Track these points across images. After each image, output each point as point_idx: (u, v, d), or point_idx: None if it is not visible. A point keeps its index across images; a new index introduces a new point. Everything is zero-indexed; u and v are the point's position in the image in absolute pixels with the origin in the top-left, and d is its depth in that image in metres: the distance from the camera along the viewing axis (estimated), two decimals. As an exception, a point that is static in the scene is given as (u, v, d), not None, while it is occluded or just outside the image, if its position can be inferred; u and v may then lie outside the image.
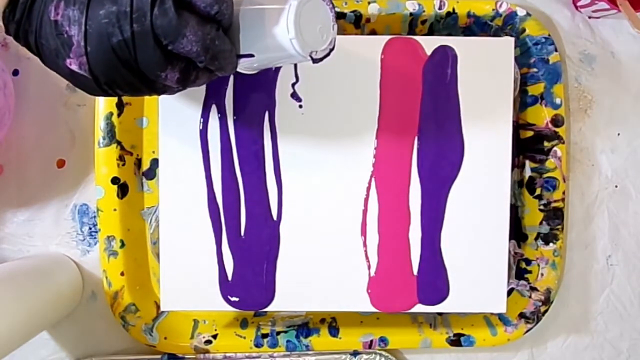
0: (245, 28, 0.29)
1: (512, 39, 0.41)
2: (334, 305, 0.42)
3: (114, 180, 0.42)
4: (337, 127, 0.41)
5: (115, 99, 0.42)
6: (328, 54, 0.32)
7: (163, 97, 0.40)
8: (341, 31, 0.43)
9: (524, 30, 0.43)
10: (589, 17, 0.45)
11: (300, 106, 0.41)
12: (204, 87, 0.40)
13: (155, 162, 0.43)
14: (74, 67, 0.26)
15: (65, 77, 0.27)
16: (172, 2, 0.25)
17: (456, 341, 0.43)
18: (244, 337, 0.43)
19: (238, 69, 0.31)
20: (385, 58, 0.41)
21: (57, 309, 0.42)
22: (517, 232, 0.45)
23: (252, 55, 0.30)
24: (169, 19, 0.25)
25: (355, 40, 0.41)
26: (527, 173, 0.44)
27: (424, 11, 0.42)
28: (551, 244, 0.44)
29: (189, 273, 0.41)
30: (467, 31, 0.44)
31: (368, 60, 0.41)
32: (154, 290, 0.44)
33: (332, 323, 0.44)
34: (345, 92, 0.41)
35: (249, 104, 0.41)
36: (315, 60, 0.31)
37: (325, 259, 0.41)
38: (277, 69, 0.40)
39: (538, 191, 0.44)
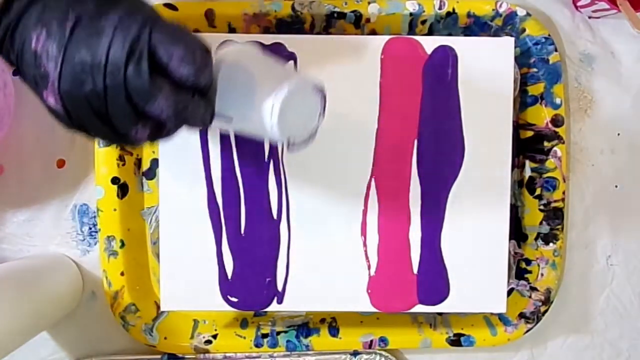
0: (228, 91, 0.28)
1: (512, 39, 0.41)
2: (334, 305, 0.42)
3: (114, 180, 0.42)
4: (337, 127, 0.41)
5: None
6: (306, 145, 0.31)
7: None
8: (341, 31, 0.43)
9: (524, 30, 0.43)
10: (589, 17, 0.45)
11: (300, 106, 0.41)
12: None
13: (155, 162, 0.43)
14: (51, 102, 0.26)
15: (44, 105, 0.27)
16: (147, 65, 0.24)
17: (456, 341, 0.43)
18: (244, 337, 0.43)
19: (213, 126, 0.29)
20: (385, 58, 0.41)
21: (57, 309, 0.42)
22: (517, 232, 0.45)
23: (229, 118, 0.29)
24: (142, 82, 0.24)
25: (355, 40, 0.41)
26: (527, 173, 0.44)
27: (424, 11, 0.42)
28: (551, 244, 0.44)
29: (189, 273, 0.41)
30: (467, 31, 0.44)
31: (368, 60, 0.41)
32: (154, 290, 0.44)
33: (332, 323, 0.44)
34: (345, 92, 0.41)
35: (249, 104, 0.41)
36: (290, 147, 0.30)
37: (325, 259, 0.41)
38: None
39: (538, 191, 0.44)
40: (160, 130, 0.27)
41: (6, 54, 0.26)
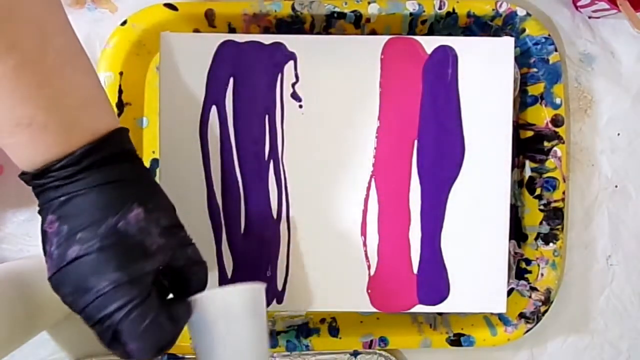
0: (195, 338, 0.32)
1: (512, 39, 0.41)
2: (334, 305, 0.42)
3: (114, 180, 0.42)
4: (337, 127, 0.41)
5: (115, 98, 0.42)
6: None
7: (163, 96, 0.40)
8: (341, 31, 0.43)
9: (524, 30, 0.43)
10: (589, 17, 0.45)
11: (300, 106, 0.41)
12: (204, 87, 0.40)
13: (155, 162, 0.43)
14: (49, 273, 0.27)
15: None
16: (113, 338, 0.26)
17: (456, 341, 0.44)
18: (244, 337, 0.43)
19: None
20: (385, 58, 0.41)
21: (57, 309, 0.41)
22: (517, 232, 0.45)
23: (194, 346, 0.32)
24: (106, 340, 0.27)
25: (355, 40, 0.41)
26: (527, 173, 0.44)
27: (424, 11, 0.42)
28: (551, 244, 0.44)
29: (189, 273, 0.41)
30: (467, 31, 0.44)
31: (368, 60, 0.41)
32: (154, 290, 0.44)
33: (332, 323, 0.44)
34: (345, 92, 0.41)
35: (249, 104, 0.41)
36: None
37: (325, 259, 0.41)
38: (281, 69, 0.40)
39: (538, 191, 0.44)
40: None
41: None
